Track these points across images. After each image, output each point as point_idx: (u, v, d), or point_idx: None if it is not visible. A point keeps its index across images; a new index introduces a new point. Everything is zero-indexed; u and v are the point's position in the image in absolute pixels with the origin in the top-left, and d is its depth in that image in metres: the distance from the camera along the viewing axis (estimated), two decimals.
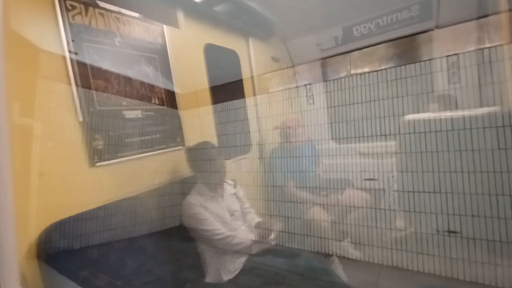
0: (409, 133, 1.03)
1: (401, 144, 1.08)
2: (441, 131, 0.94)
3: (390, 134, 1.08)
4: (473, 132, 0.88)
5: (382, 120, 1.07)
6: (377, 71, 1.08)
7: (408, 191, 1.05)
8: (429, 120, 1.01)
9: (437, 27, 1.92)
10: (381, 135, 1.08)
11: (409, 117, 1.06)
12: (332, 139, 1.51)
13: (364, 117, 1.11)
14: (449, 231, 0.98)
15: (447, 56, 1.05)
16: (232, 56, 2.31)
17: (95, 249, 1.17)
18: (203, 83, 1.98)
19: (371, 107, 1.09)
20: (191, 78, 1.93)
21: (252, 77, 2.46)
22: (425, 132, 0.98)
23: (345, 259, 1.52)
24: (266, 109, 2.30)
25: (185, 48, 1.88)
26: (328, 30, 2.46)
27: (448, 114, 0.98)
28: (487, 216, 0.86)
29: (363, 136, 1.14)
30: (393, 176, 1.24)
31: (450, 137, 0.92)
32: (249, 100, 2.37)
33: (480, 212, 0.88)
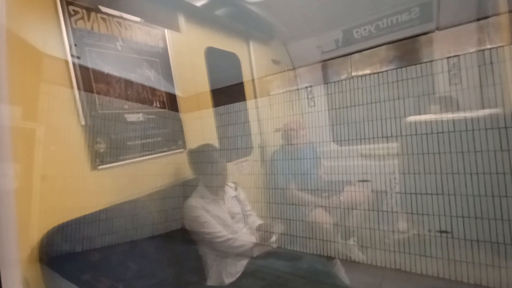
0: (411, 135, 1.03)
1: (403, 146, 1.07)
2: (442, 132, 0.93)
3: (392, 136, 1.07)
4: (475, 134, 0.87)
5: (384, 122, 1.07)
6: (378, 73, 1.08)
7: (411, 193, 1.05)
8: (430, 121, 1.00)
9: (438, 28, 1.92)
10: (382, 137, 1.08)
11: (411, 118, 1.06)
12: (333, 141, 1.51)
13: (365, 119, 1.11)
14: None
15: (448, 57, 1.05)
16: (233, 59, 2.32)
17: (96, 252, 1.16)
18: (204, 86, 1.99)
19: (372, 109, 1.09)
20: (192, 81, 1.94)
21: (253, 80, 2.47)
22: (427, 134, 0.97)
23: (347, 262, 1.51)
24: (267, 112, 2.30)
25: (186, 51, 1.90)
26: (329, 33, 2.47)
27: (449, 115, 0.97)
28: (491, 218, 0.86)
29: (365, 138, 1.13)
30: (395, 178, 1.23)
31: (452, 138, 0.92)
32: (250, 103, 2.37)
33: (483, 214, 0.87)
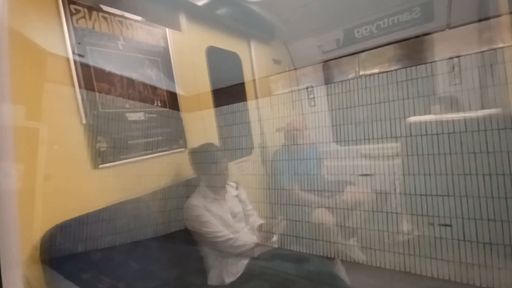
0: (421, 135, 1.01)
1: (413, 147, 1.05)
2: (454, 132, 0.92)
3: (401, 136, 1.06)
4: (488, 134, 0.86)
5: (392, 122, 1.05)
6: (386, 72, 1.06)
7: (421, 194, 1.02)
8: (441, 121, 0.99)
9: (448, 26, 1.88)
10: (391, 137, 1.06)
11: (420, 118, 1.04)
12: (338, 141, 1.50)
13: (372, 119, 1.09)
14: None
15: (450, 58, 1.04)
16: (234, 59, 2.31)
17: (98, 252, 1.15)
18: (205, 86, 1.98)
19: (379, 109, 1.07)
20: (193, 80, 1.93)
21: (254, 80, 2.47)
22: (437, 134, 0.96)
23: (354, 264, 1.49)
24: (268, 112, 2.29)
25: (188, 50, 1.89)
26: (330, 32, 2.47)
27: (461, 115, 0.96)
28: (504, 220, 0.84)
29: (373, 138, 1.11)
30: (398, 178, 1.22)
31: (464, 139, 0.90)
32: (251, 103, 2.37)
33: (496, 216, 0.86)
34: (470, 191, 0.90)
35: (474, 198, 0.89)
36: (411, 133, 1.03)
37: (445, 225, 0.97)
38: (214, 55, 2.04)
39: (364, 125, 1.13)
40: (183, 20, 1.85)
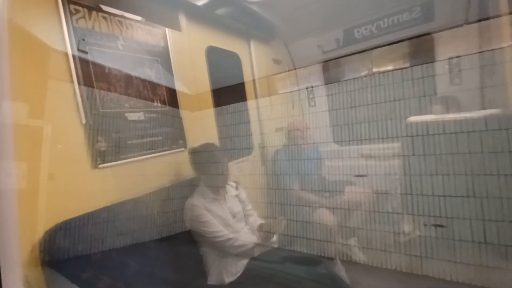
0: (439, 134, 0.96)
1: (431, 146, 0.99)
2: (474, 131, 0.87)
3: (418, 135, 1.00)
4: (510, 133, 0.81)
5: (409, 121, 1.01)
6: (401, 69, 1.02)
7: (439, 196, 0.97)
8: (460, 120, 0.94)
9: (467, 23, 1.81)
10: (407, 136, 1.01)
11: (441, 117, 0.99)
12: (339, 141, 1.47)
13: (388, 118, 1.04)
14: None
15: (450, 58, 1.03)
16: (234, 59, 2.31)
17: (99, 252, 1.15)
18: (205, 86, 1.98)
19: (395, 107, 1.03)
20: (193, 80, 1.93)
21: (254, 80, 2.47)
22: (456, 133, 0.91)
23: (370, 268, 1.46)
24: (269, 111, 2.28)
25: (187, 50, 1.89)
26: (330, 32, 2.47)
27: (481, 113, 0.91)
28: None
29: (390, 137, 1.06)
30: (419, 179, 1.16)
31: (484, 138, 0.86)
32: (251, 103, 2.37)
33: None
34: (491, 191, 0.86)
35: (495, 199, 0.84)
36: (428, 133, 0.99)
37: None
38: (214, 55, 2.04)
39: (378, 123, 1.09)
40: (183, 20, 1.85)
